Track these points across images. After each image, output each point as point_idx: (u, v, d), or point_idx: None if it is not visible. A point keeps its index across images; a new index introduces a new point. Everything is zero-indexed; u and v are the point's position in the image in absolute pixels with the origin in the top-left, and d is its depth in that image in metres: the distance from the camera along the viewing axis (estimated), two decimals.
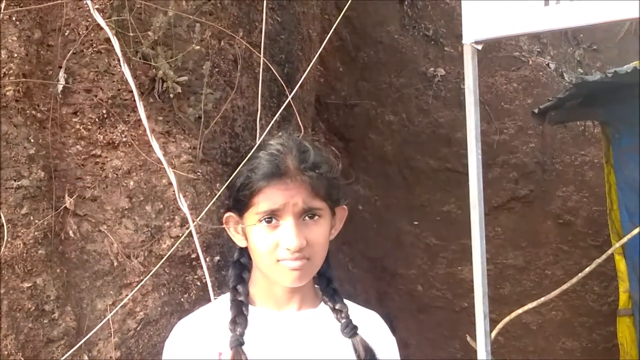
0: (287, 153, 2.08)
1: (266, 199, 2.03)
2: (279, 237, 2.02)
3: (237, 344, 2.03)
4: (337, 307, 2.18)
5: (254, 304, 2.14)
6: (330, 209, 2.11)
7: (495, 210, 8.18)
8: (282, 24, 5.38)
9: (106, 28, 2.36)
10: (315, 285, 2.24)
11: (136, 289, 3.97)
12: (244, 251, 2.19)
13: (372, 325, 2.24)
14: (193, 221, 4.11)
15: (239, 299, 2.13)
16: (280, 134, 2.20)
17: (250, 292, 2.15)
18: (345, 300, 2.23)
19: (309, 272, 2.10)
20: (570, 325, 8.22)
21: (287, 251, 2.02)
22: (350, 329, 2.14)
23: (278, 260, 2.04)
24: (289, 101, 3.36)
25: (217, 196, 4.18)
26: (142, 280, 3.98)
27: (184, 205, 2.54)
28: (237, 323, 2.08)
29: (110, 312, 3.93)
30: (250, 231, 2.08)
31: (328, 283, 2.23)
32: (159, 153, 2.47)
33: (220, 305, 2.17)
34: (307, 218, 2.04)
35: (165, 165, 2.56)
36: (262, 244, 2.06)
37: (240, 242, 2.16)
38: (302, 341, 2.10)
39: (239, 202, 2.10)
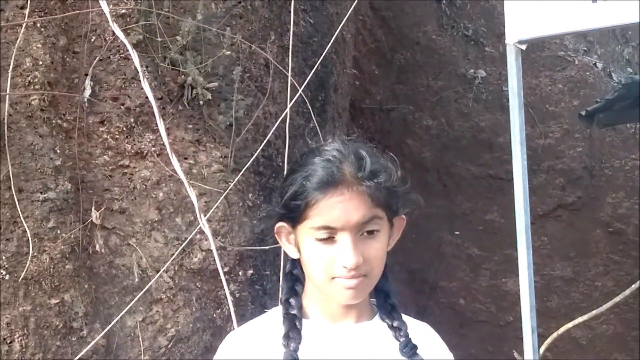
0: (343, 160, 2.02)
1: (322, 213, 1.99)
2: (334, 253, 1.99)
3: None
4: (395, 324, 2.16)
5: (307, 317, 2.13)
6: (388, 220, 2.08)
7: (541, 219, 8.13)
8: (315, 26, 5.40)
9: (126, 42, 2.38)
10: (372, 300, 2.22)
11: (136, 298, 4.00)
12: (297, 262, 2.17)
13: (428, 341, 2.23)
14: (218, 234, 4.14)
15: (292, 312, 2.11)
16: (330, 139, 2.14)
17: (304, 304, 2.15)
18: (403, 316, 2.21)
19: (365, 290, 2.07)
20: (622, 340, 8.15)
21: (343, 269, 1.97)
22: (410, 349, 2.12)
23: (333, 277, 2.01)
24: (322, 107, 3.37)
25: (217, 203, 4.22)
26: (172, 296, 4.02)
27: (205, 227, 2.54)
28: (291, 338, 2.07)
29: (139, 329, 3.96)
30: (304, 244, 2.06)
31: (385, 298, 2.21)
32: (178, 169, 2.48)
33: (273, 318, 2.16)
34: (365, 233, 2.00)
35: (184, 181, 2.56)
36: (316, 260, 2.03)
37: (292, 253, 2.13)
38: (359, 355, 2.10)
39: (292, 211, 2.06)
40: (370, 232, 2.01)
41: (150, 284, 3.68)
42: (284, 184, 2.09)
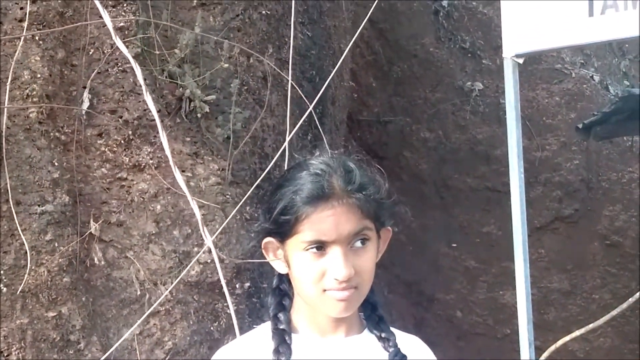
0: (332, 173, 2.04)
1: (313, 227, 2.00)
2: (325, 265, 2.00)
3: None
4: (383, 335, 2.17)
5: (296, 332, 2.14)
6: (376, 231, 2.09)
7: (538, 232, 8.15)
8: (313, 39, 5.42)
9: (128, 55, 2.39)
10: (360, 314, 2.23)
11: (144, 315, 4.00)
12: (284, 277, 2.17)
13: (417, 352, 2.24)
14: (216, 247, 4.15)
15: (281, 327, 2.12)
16: (318, 152, 2.16)
17: (292, 319, 2.15)
18: (391, 328, 2.22)
19: (356, 302, 2.08)
20: (619, 353, 8.15)
21: (334, 281, 1.99)
22: (400, 359, 2.14)
23: (324, 290, 2.02)
24: (320, 120, 3.38)
25: (227, 221, 4.22)
26: (170, 308, 4.02)
27: (208, 239, 2.54)
28: (281, 352, 2.08)
29: (136, 342, 3.96)
30: (294, 258, 2.07)
31: (373, 310, 2.22)
32: (180, 181, 2.49)
33: (262, 334, 2.17)
34: (355, 245, 2.02)
35: (187, 195, 2.57)
36: (307, 273, 2.03)
37: (281, 268, 2.14)
38: None
39: (281, 226, 2.06)
40: (362, 243, 2.03)
41: (164, 294, 3.68)
42: (271, 199, 2.09)
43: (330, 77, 4.18)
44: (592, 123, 6.70)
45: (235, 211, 4.23)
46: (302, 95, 4.46)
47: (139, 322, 3.86)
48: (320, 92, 3.90)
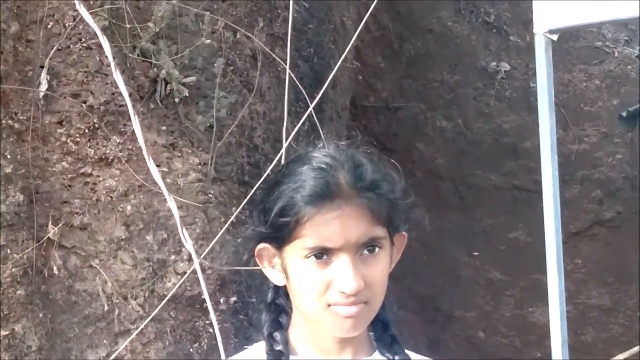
0: (338, 168, 2.01)
1: (316, 232, 1.97)
2: (330, 276, 1.98)
3: None
4: (397, 358, 2.16)
5: (295, 354, 2.12)
6: (389, 237, 2.07)
7: (575, 238, 8.15)
8: (310, 11, 5.42)
9: (95, 27, 2.37)
10: (369, 333, 2.22)
11: (132, 335, 4.00)
12: (280, 290, 2.16)
13: None
14: (199, 256, 4.15)
15: (277, 348, 2.11)
16: (321, 144, 2.15)
17: (290, 339, 2.14)
18: (406, 350, 2.21)
19: (366, 319, 2.06)
20: None
21: (340, 295, 1.98)
22: None
23: (329, 305, 2.00)
24: (319, 106, 3.38)
25: (225, 227, 4.23)
26: (142, 326, 4.02)
27: (188, 243, 2.52)
28: None
29: None
30: (293, 267, 2.06)
31: (384, 329, 2.20)
32: (156, 176, 2.47)
33: (254, 356, 2.16)
34: (365, 252, 2.00)
35: (164, 190, 2.56)
36: (308, 285, 2.01)
37: (277, 280, 2.11)
38: None
39: (279, 230, 2.03)
40: (372, 250, 2.02)
41: (153, 314, 3.68)
42: (267, 199, 2.07)
43: (340, 60, 4.17)
44: (637, 111, 6.70)
45: (220, 213, 4.23)
46: (298, 83, 4.46)
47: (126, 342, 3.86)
48: (326, 86, 3.90)
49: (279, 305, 2.19)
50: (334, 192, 1.98)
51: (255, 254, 2.11)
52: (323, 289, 2.00)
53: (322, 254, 1.98)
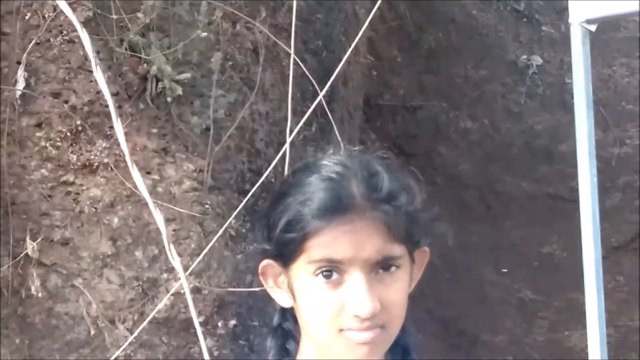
0: (350, 178, 1.99)
1: (324, 244, 1.95)
2: (343, 298, 1.96)
3: None
4: None
5: None
6: (409, 254, 2.05)
7: (616, 252, 8.15)
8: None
9: (74, 20, 2.38)
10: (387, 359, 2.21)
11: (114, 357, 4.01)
12: (287, 313, 2.15)
13: None
14: (191, 272, 4.16)
15: None
16: (331, 149, 2.13)
17: None
18: None
19: (383, 345, 2.04)
20: None
21: (354, 319, 1.95)
22: None
23: (341, 330, 1.99)
24: (328, 105, 3.39)
25: (212, 242, 4.24)
26: (131, 353, 4.03)
27: (175, 259, 2.51)
28: None
29: None
30: (300, 287, 2.04)
31: (405, 354, 2.20)
32: (140, 183, 2.47)
33: None
34: (380, 270, 1.97)
35: (148, 199, 2.56)
36: (318, 307, 1.99)
37: (284, 301, 2.10)
38: None
39: (284, 246, 2.02)
40: (388, 268, 2.02)
41: (131, 338, 3.69)
42: (271, 212, 2.06)
43: (348, 53, 4.18)
44: None
45: (217, 225, 4.24)
46: (308, 74, 4.46)
47: None
48: (333, 77, 3.90)
49: (286, 330, 2.19)
50: (345, 205, 1.97)
51: (259, 271, 2.11)
52: (334, 313, 1.98)
53: (330, 271, 1.96)
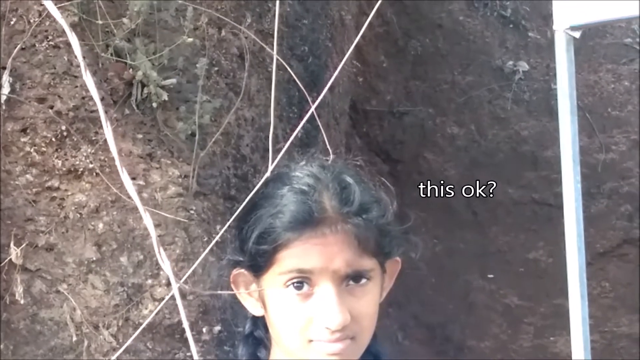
0: (322, 190, 2.01)
1: (295, 255, 1.97)
2: (312, 309, 1.98)
3: None
4: None
5: None
6: (380, 265, 2.07)
7: (602, 258, 8.15)
8: (305, 5, 5.43)
9: (63, 23, 2.38)
10: None
11: None
12: (259, 321, 2.17)
13: None
14: (177, 280, 4.16)
15: None
16: (304, 160, 2.14)
17: None
18: None
19: (353, 356, 2.04)
20: None
21: (324, 330, 1.97)
22: None
23: (310, 341, 2.00)
24: (313, 112, 3.37)
25: (206, 251, 4.22)
26: (114, 357, 4.02)
27: (166, 265, 2.51)
28: None
29: None
30: (271, 297, 2.05)
31: None
32: (130, 188, 2.48)
33: None
34: (351, 282, 2.00)
35: (138, 204, 2.55)
36: (288, 318, 2.02)
37: (254, 309, 2.11)
38: None
39: (256, 258, 2.04)
40: (358, 281, 2.01)
41: (126, 345, 3.69)
42: (244, 225, 2.08)
43: (342, 61, 4.19)
44: None
45: (203, 231, 4.23)
46: (295, 78, 4.47)
47: None
48: (329, 83, 3.91)
49: (257, 338, 2.20)
50: (317, 218, 1.99)
51: (231, 279, 2.12)
52: (305, 324, 2.00)
53: (301, 282, 1.98)
